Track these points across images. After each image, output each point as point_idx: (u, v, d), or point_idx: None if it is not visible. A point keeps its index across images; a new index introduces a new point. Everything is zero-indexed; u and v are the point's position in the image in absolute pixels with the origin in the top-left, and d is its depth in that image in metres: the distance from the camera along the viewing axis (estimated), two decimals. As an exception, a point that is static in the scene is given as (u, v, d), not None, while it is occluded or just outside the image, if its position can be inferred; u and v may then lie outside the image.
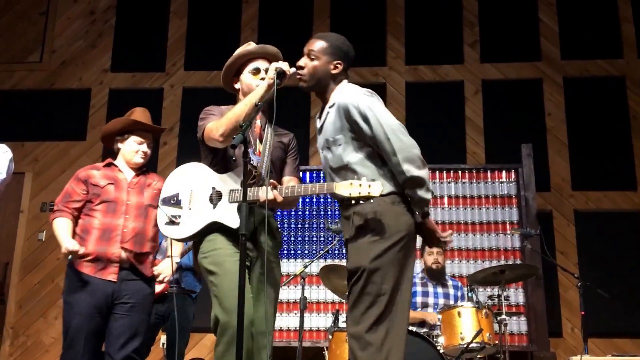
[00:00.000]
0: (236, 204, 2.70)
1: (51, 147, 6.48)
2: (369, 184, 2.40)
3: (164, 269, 3.47)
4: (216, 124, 2.79)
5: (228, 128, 2.71)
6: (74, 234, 3.31)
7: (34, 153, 6.48)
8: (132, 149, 3.44)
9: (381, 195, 2.46)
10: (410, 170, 2.45)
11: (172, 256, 3.45)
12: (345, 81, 2.69)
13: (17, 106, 6.63)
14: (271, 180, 2.71)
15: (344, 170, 2.58)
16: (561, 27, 6.34)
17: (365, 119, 2.51)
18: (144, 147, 3.46)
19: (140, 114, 3.51)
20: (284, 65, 2.70)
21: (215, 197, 2.81)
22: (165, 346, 4.81)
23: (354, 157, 2.56)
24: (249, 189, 2.66)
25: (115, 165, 3.46)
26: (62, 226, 3.29)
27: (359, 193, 2.41)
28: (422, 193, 2.48)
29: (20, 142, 6.48)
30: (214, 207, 2.80)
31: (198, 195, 2.86)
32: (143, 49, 6.71)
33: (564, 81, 6.21)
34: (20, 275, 6.14)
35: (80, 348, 3.16)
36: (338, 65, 2.65)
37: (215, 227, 2.80)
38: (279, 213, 5.20)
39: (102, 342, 3.27)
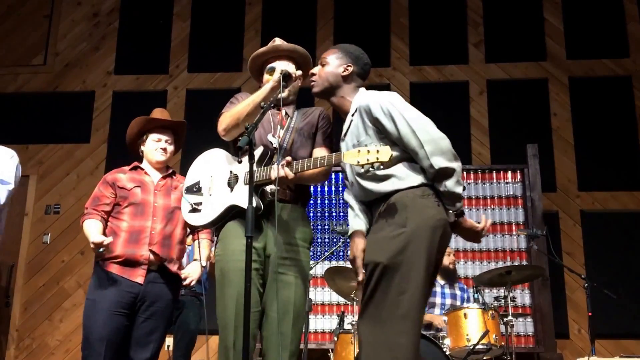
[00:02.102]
0: None
1: (55, 150, 6.48)
2: (377, 149, 2.23)
3: (192, 272, 3.44)
4: (223, 117, 2.80)
5: (230, 124, 2.74)
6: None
7: (38, 155, 6.48)
8: (152, 147, 3.45)
9: (411, 187, 2.35)
10: (439, 162, 2.32)
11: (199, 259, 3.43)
12: (362, 89, 2.64)
13: (21, 109, 6.63)
14: (286, 157, 2.63)
15: (372, 172, 2.39)
16: (566, 27, 6.31)
17: (389, 116, 2.43)
18: (162, 144, 3.46)
19: (156, 113, 3.54)
20: (289, 68, 2.69)
21: (233, 181, 2.79)
22: (170, 348, 4.81)
23: None
24: (260, 168, 2.65)
25: (142, 169, 3.47)
26: (91, 225, 3.28)
27: (367, 160, 2.24)
28: (450, 185, 2.32)
29: (25, 144, 6.48)
30: (231, 191, 2.77)
31: (217, 181, 2.85)
32: (146, 51, 6.71)
33: (569, 81, 6.17)
34: (25, 277, 6.14)
35: (100, 348, 3.11)
36: (348, 68, 2.63)
37: (233, 212, 2.76)
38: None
39: (122, 342, 3.20)
